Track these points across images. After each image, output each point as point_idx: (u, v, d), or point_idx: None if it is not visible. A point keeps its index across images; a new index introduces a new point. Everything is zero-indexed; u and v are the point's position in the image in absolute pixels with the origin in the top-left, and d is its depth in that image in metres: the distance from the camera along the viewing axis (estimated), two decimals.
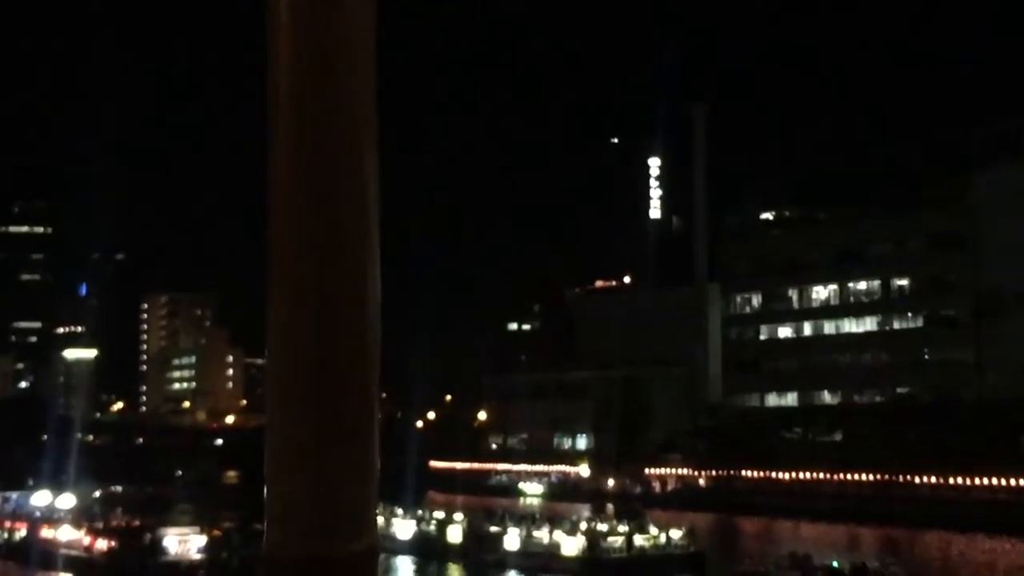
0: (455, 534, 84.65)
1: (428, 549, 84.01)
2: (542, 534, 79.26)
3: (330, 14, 2.45)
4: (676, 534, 78.67)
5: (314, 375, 2.35)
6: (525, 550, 77.83)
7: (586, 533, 77.45)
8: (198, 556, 75.19)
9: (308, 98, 2.42)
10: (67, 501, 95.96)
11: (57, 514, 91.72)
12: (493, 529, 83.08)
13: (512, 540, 79.52)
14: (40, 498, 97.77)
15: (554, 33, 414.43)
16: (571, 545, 75.93)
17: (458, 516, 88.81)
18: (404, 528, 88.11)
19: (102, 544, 79.79)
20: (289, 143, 2.43)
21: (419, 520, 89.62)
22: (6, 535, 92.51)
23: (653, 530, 79.14)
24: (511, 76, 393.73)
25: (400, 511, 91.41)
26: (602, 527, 79.19)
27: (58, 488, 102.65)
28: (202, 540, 77.77)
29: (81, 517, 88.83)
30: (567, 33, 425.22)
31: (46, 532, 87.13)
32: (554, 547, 76.75)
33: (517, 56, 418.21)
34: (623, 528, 78.96)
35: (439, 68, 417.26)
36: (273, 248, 2.44)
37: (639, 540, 76.91)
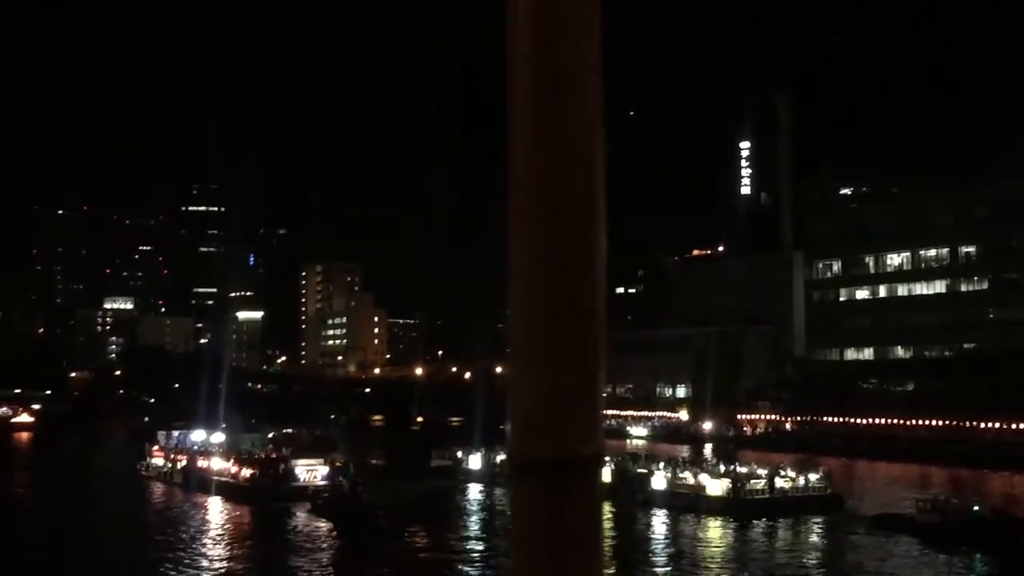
0: (605, 475, 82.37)
1: None
2: (687, 475, 75.94)
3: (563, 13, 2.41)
4: (813, 477, 74.85)
5: (549, 307, 2.39)
6: (671, 490, 74.30)
7: (729, 475, 73.95)
8: (322, 482, 78.27)
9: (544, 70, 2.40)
10: (219, 437, 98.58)
11: (211, 448, 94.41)
12: (640, 471, 79.51)
13: (659, 481, 75.85)
14: (198, 435, 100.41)
15: (653, 27, 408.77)
16: (716, 486, 72.47)
17: (605, 458, 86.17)
18: None
19: (245, 472, 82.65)
20: (526, 111, 2.41)
21: None
22: (170, 465, 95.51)
23: (791, 472, 75.32)
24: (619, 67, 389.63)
25: None
26: (743, 469, 75.57)
27: (224, 428, 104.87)
28: (325, 470, 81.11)
29: (230, 450, 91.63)
30: (666, 29, 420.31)
31: (201, 463, 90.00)
32: (699, 488, 73.30)
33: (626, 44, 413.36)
34: (763, 471, 75.10)
35: None
36: (512, 192, 2.42)
37: (779, 482, 73.18)
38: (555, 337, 2.40)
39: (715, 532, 66.99)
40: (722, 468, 76.88)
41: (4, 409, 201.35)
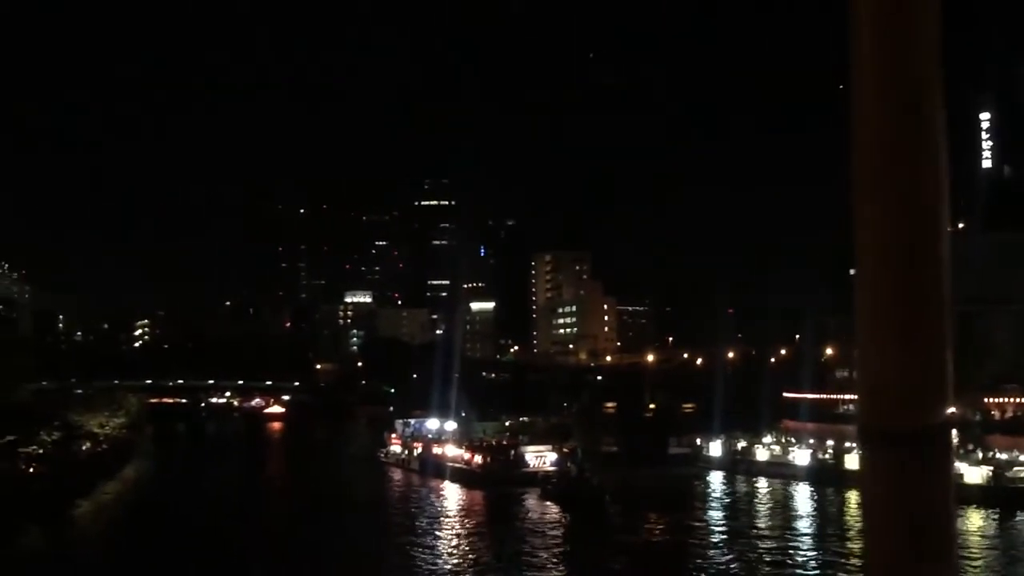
0: (853, 461, 78.77)
1: (825, 476, 78.68)
2: None
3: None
4: None
5: (900, 284, 2.52)
6: None
7: (989, 462, 71.04)
8: (551, 468, 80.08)
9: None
10: (452, 425, 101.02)
11: (445, 435, 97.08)
12: None
13: None
14: (432, 423, 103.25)
15: None
16: (973, 474, 69.47)
17: (849, 444, 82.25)
18: (801, 456, 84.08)
19: (477, 458, 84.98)
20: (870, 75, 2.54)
21: (815, 449, 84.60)
22: (407, 452, 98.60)
23: None
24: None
25: (793, 440, 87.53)
26: (1002, 456, 72.51)
27: (462, 416, 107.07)
28: (554, 456, 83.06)
29: (463, 438, 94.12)
30: None
31: (436, 449, 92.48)
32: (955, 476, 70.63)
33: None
34: None
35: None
36: (859, 185, 2.56)
37: None
38: (904, 311, 2.50)
39: (976, 523, 63.83)
40: (979, 454, 73.27)
41: (258, 400, 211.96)
